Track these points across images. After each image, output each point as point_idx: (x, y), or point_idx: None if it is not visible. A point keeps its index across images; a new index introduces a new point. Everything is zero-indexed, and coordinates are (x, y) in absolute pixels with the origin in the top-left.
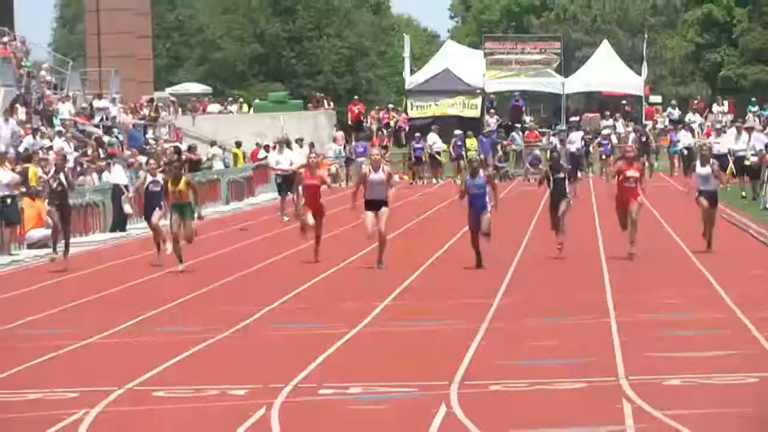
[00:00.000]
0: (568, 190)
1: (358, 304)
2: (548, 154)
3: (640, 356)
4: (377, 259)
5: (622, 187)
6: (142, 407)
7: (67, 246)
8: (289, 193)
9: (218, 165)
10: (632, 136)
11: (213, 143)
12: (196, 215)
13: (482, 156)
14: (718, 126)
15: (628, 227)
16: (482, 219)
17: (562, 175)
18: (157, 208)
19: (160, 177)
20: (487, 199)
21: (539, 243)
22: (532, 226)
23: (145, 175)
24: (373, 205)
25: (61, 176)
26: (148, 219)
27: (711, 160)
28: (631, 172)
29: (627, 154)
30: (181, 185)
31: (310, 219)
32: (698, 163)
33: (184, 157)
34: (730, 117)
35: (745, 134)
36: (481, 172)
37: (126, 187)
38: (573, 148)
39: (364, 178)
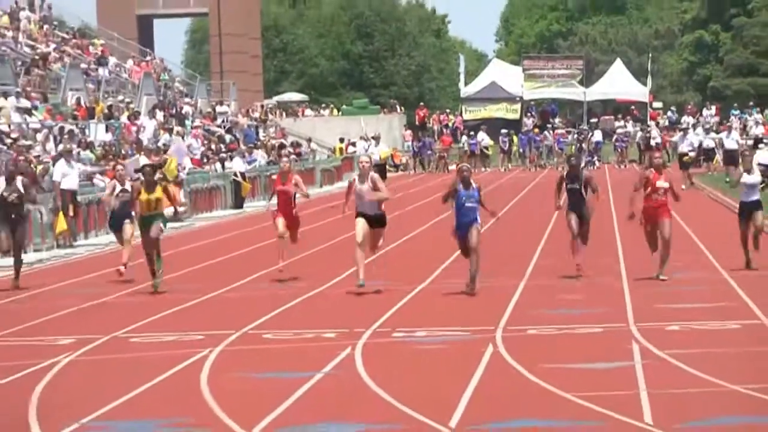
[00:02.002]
0: (587, 199)
1: (424, 264)
2: (566, 159)
3: (646, 307)
4: (358, 279)
5: (650, 200)
6: (254, 346)
7: (17, 267)
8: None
9: (319, 156)
10: (639, 134)
11: (309, 140)
12: (165, 221)
13: (521, 149)
14: (707, 126)
15: (659, 248)
16: (471, 232)
17: (577, 185)
18: (127, 220)
19: (129, 185)
20: (478, 214)
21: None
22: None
23: (114, 183)
24: (366, 217)
25: (18, 183)
26: (115, 231)
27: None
28: (661, 182)
29: (655, 160)
30: (157, 193)
31: (281, 226)
32: (742, 169)
33: (157, 160)
34: (716, 119)
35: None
36: (474, 184)
37: (243, 173)
38: (594, 140)
39: (350, 186)
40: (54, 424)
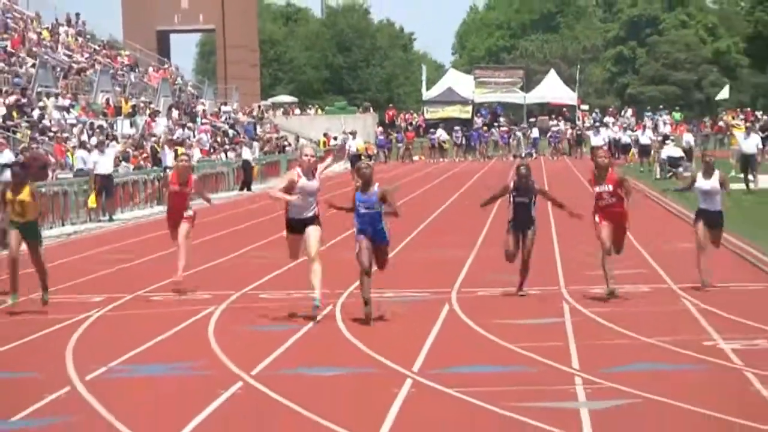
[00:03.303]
0: (533, 215)
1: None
2: (515, 169)
3: (575, 273)
4: (313, 299)
5: (600, 208)
6: (252, 304)
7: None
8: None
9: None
10: (569, 131)
11: (297, 137)
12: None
13: (473, 143)
14: (625, 125)
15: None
16: (378, 252)
17: (526, 199)
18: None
19: None
20: (385, 224)
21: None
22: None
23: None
24: (297, 226)
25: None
26: None
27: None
28: (604, 187)
29: (598, 159)
30: (24, 195)
31: (174, 235)
32: (700, 174)
33: (30, 158)
34: (633, 119)
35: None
36: (376, 186)
37: (249, 161)
38: (533, 136)
39: (292, 185)
40: (86, 367)
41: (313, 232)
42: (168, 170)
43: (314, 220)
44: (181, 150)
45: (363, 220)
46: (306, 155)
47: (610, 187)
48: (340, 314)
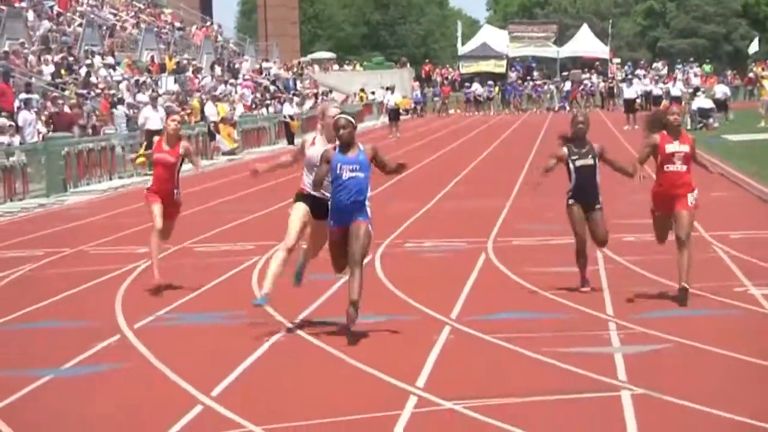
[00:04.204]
0: (599, 187)
1: (430, 189)
2: (572, 119)
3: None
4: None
5: (664, 175)
6: (294, 254)
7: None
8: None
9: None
10: (602, 84)
11: (330, 90)
12: None
13: (507, 97)
14: (656, 77)
15: (677, 253)
16: (353, 232)
17: (590, 160)
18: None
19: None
20: (368, 197)
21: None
22: (536, 147)
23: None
24: (320, 209)
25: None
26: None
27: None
28: (676, 146)
29: (671, 117)
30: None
31: (158, 221)
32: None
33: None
34: (665, 71)
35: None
36: (362, 146)
37: (291, 116)
38: (565, 89)
39: (299, 155)
40: (135, 316)
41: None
42: (212, 125)
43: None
44: (222, 108)
45: (343, 189)
46: (332, 116)
47: (687, 148)
48: (380, 264)
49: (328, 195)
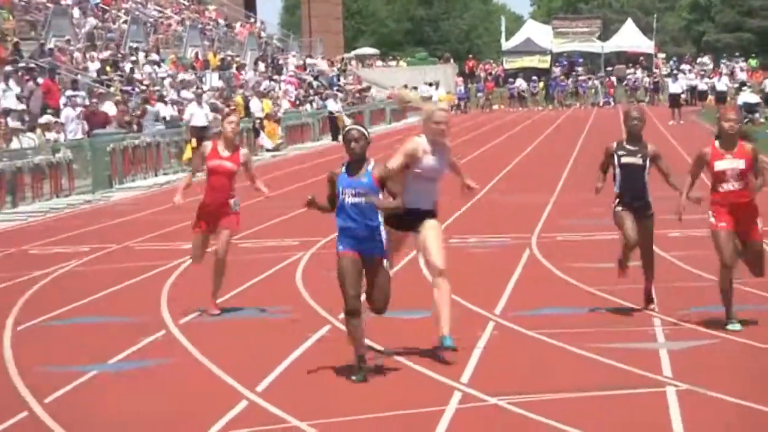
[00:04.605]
0: (648, 190)
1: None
2: (624, 114)
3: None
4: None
5: (719, 194)
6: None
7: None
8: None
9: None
10: (647, 79)
11: (369, 87)
12: None
13: (551, 92)
14: (702, 72)
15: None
16: (372, 280)
17: (640, 159)
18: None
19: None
20: (381, 222)
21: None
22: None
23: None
24: (406, 220)
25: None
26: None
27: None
28: (728, 162)
29: (726, 124)
30: None
31: (197, 253)
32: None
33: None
34: (710, 66)
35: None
36: (371, 163)
37: (336, 111)
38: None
39: (411, 160)
40: (180, 310)
41: (433, 230)
42: (257, 121)
43: (434, 211)
44: (266, 105)
45: (348, 215)
46: (438, 121)
47: (742, 164)
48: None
49: (423, 205)
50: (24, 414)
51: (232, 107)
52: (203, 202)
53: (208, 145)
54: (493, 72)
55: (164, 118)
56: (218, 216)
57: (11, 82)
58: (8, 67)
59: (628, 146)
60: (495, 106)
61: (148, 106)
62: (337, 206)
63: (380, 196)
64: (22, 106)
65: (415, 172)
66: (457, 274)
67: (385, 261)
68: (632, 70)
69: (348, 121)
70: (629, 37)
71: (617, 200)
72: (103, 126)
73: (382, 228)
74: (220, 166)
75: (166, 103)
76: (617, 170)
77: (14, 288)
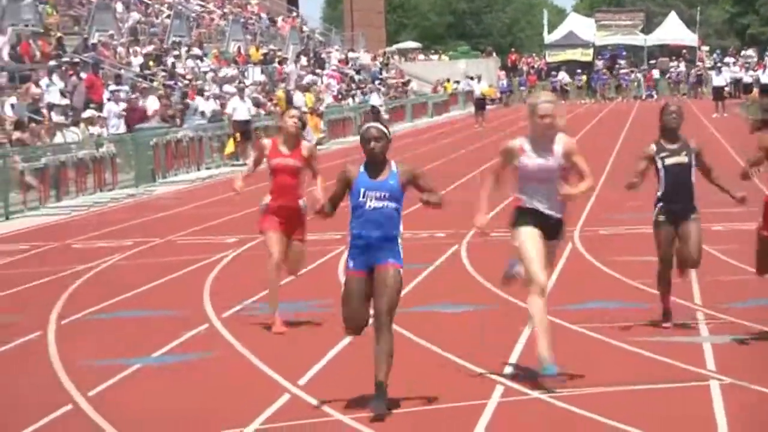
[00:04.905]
0: (694, 191)
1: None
2: (662, 108)
3: None
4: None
5: None
6: None
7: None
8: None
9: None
10: (692, 71)
11: (408, 81)
12: None
13: (594, 86)
14: (747, 65)
15: None
16: (379, 279)
17: (685, 158)
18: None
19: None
20: (400, 232)
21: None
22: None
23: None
24: (542, 226)
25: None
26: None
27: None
28: None
29: None
30: None
31: (275, 250)
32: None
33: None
34: (755, 59)
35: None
36: (394, 165)
37: (381, 106)
38: (653, 77)
39: (507, 162)
40: (222, 304)
41: (554, 247)
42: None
43: (561, 225)
44: (309, 99)
45: (366, 220)
46: (543, 115)
47: None
48: (465, 253)
49: (548, 209)
50: (68, 407)
51: (274, 102)
52: (272, 206)
53: (267, 143)
54: (536, 65)
55: (202, 112)
56: (290, 221)
57: (55, 77)
58: (52, 62)
59: (668, 146)
60: None
61: (190, 101)
62: (353, 211)
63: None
64: (66, 101)
65: (522, 175)
66: (499, 269)
67: (400, 268)
68: (675, 63)
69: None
70: (672, 30)
71: (659, 206)
72: (141, 121)
73: (400, 240)
74: (283, 164)
75: (207, 98)
76: (662, 173)
77: (58, 282)
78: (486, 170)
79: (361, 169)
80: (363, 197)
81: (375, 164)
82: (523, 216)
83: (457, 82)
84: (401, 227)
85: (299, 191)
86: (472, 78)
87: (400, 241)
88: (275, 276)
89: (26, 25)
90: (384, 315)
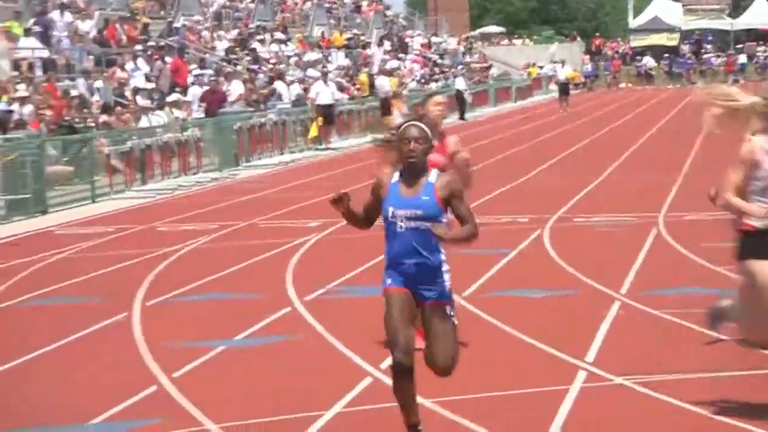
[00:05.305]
0: None
1: (599, 163)
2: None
3: None
4: None
5: None
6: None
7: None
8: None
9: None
10: None
11: (490, 66)
12: None
13: (679, 71)
14: None
15: None
16: (430, 329)
17: None
18: None
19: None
20: (444, 256)
21: None
22: None
23: None
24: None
25: None
26: None
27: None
28: None
29: None
30: None
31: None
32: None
33: None
34: None
35: None
36: (433, 174)
37: (465, 90)
38: (739, 62)
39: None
40: (305, 288)
41: None
42: (383, 99)
43: None
44: (393, 83)
45: (400, 244)
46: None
47: None
48: (548, 238)
49: None
50: (153, 388)
51: (357, 86)
52: None
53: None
54: (620, 50)
55: (279, 95)
56: None
57: (140, 62)
58: (138, 47)
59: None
60: (622, 85)
61: (275, 85)
62: (386, 232)
63: (445, 220)
64: (152, 85)
65: (756, 185)
66: (582, 254)
67: (452, 308)
68: (763, 48)
69: (404, 109)
70: (760, 14)
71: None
72: (220, 105)
73: (445, 267)
74: (429, 161)
75: (290, 82)
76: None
77: (143, 264)
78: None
79: (395, 177)
80: (392, 217)
81: (411, 173)
82: (754, 242)
83: (541, 66)
84: (442, 251)
85: None
86: (557, 62)
87: (445, 267)
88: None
89: (113, 10)
90: (447, 368)
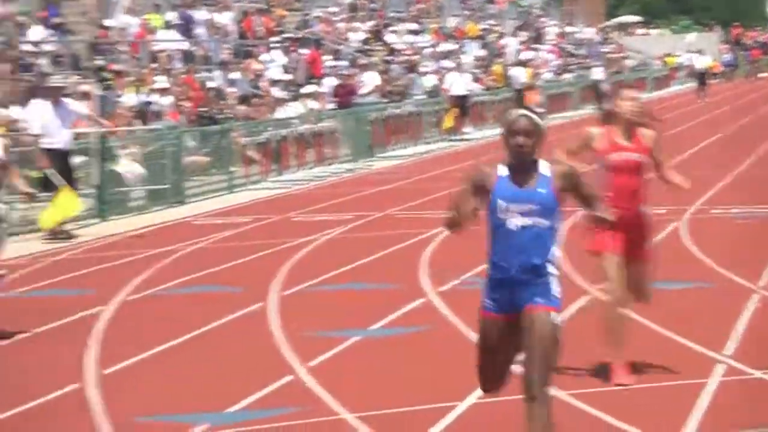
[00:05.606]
0: None
1: (737, 154)
2: None
3: None
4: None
5: None
6: None
7: None
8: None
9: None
10: None
11: (626, 56)
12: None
13: None
14: None
15: None
16: (529, 329)
17: None
18: None
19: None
20: (553, 259)
21: None
22: None
23: None
24: None
25: None
26: None
27: None
28: None
29: None
30: None
31: (616, 286)
32: None
33: None
34: None
35: None
36: (546, 167)
37: (603, 81)
38: None
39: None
40: (440, 278)
41: None
42: (518, 90)
43: None
44: (529, 73)
45: (509, 247)
46: None
47: None
48: (686, 230)
49: None
50: (289, 377)
51: (492, 77)
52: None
53: (596, 133)
54: (760, 39)
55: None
56: (633, 235)
57: (276, 53)
58: (274, 39)
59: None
60: (762, 74)
61: (413, 76)
62: (491, 232)
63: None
64: (288, 77)
65: None
66: (719, 246)
67: (557, 313)
68: None
69: (539, 99)
70: None
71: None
72: (349, 97)
73: (555, 270)
74: (625, 160)
75: (423, 73)
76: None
77: (279, 254)
78: None
79: (501, 172)
80: (502, 213)
81: (521, 166)
82: None
83: (678, 56)
84: (555, 251)
85: (642, 193)
86: (695, 52)
87: (554, 271)
88: (618, 320)
89: (250, 2)
90: (536, 385)
